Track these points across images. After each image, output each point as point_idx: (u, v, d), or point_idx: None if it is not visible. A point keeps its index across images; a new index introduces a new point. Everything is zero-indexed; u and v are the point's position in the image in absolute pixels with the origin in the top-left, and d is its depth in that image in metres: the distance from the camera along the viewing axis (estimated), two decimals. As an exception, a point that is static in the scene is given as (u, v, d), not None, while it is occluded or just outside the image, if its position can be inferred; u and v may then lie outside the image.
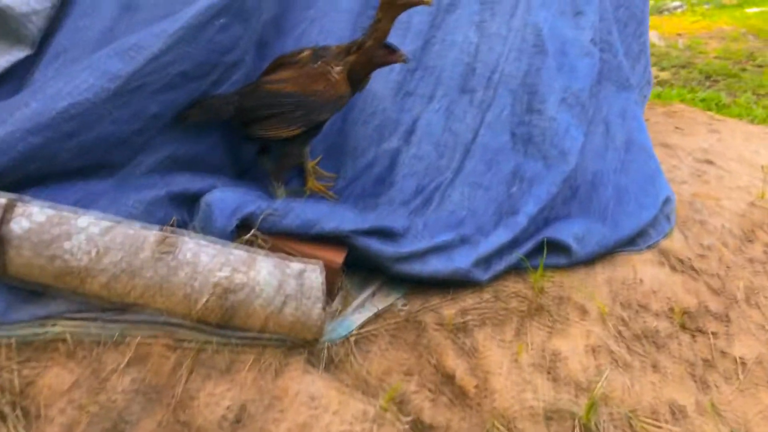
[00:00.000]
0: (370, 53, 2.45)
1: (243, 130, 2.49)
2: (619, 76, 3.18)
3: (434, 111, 2.96)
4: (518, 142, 2.89)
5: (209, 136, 2.55)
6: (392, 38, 2.84)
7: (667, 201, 2.93)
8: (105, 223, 2.04)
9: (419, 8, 3.02)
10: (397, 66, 3.01)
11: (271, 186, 2.52)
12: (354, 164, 2.94)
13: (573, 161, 2.80)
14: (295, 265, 2.14)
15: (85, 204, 2.17)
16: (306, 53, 2.48)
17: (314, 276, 2.13)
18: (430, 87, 3.02)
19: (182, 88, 2.35)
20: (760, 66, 6.26)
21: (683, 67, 6.05)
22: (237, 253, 2.11)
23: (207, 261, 2.06)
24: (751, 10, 9.23)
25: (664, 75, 5.90)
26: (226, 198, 2.32)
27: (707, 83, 5.72)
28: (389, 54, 2.46)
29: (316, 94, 2.39)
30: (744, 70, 6.08)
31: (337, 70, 2.48)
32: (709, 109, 4.85)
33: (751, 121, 4.60)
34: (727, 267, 2.86)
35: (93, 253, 2.00)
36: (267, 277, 2.09)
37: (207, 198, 2.32)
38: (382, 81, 2.95)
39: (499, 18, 3.05)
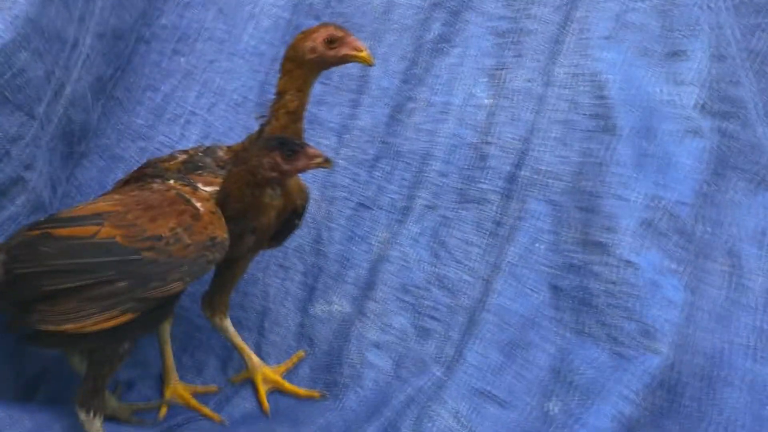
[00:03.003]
0: (250, 159, 1.72)
1: (15, 320, 1.70)
2: (756, 162, 2.27)
3: (412, 241, 2.18)
4: (564, 306, 2.06)
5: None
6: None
7: None
8: None
9: (392, 57, 2.31)
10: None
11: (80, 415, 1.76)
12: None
13: (665, 348, 1.95)
14: None
15: None
16: (179, 159, 1.92)
17: None
18: (404, 190, 2.23)
19: None
20: None
21: None
22: None
23: None
24: None
25: None
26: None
27: None
28: (287, 158, 1.69)
29: (156, 247, 1.64)
30: None
31: (204, 194, 1.75)
32: None
33: None
34: None
35: None
36: None
37: None
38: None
39: (529, 61, 2.21)
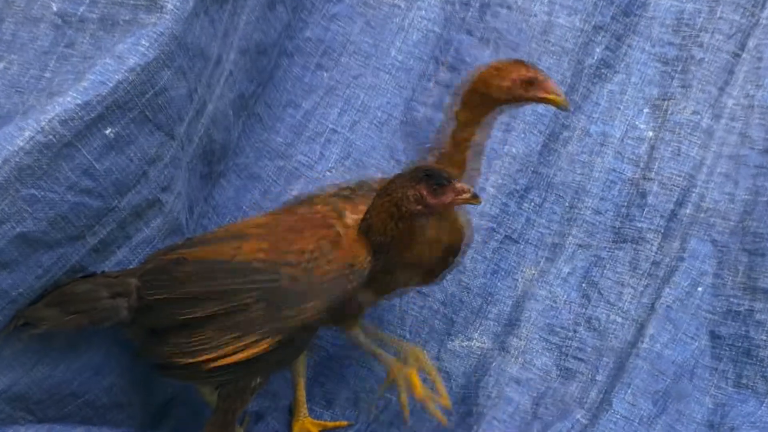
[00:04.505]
0: (394, 191, 1.80)
1: (148, 350, 1.86)
2: None
3: (561, 281, 2.30)
4: (724, 355, 2.20)
5: (87, 351, 1.89)
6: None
7: None
8: None
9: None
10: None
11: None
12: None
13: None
14: None
15: None
16: (328, 192, 2.04)
17: None
18: (555, 225, 2.36)
19: (23, 266, 1.73)
20: None
21: None
22: None
23: None
24: None
25: None
26: None
27: None
28: (433, 192, 1.78)
29: (295, 269, 1.79)
30: None
31: (349, 221, 1.88)
32: None
33: None
34: None
35: None
36: None
37: None
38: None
39: (697, 92, 2.33)
